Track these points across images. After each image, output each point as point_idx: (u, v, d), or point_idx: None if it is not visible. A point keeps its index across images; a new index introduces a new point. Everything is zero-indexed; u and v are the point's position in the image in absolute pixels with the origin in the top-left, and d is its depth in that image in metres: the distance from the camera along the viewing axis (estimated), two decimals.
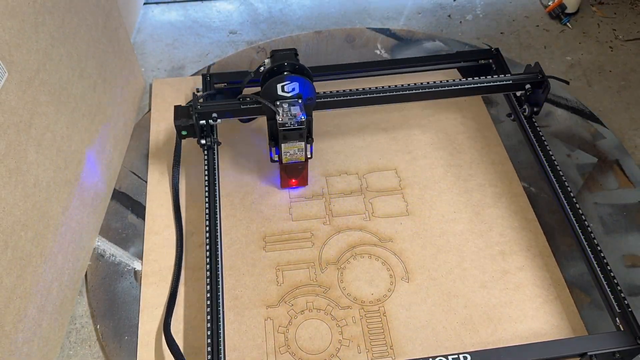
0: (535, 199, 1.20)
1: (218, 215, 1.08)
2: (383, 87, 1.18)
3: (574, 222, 1.06)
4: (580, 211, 1.07)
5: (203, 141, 1.13)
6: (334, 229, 1.15)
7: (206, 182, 1.11)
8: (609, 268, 0.99)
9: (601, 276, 0.99)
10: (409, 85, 1.19)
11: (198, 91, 1.31)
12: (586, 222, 1.05)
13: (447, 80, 1.19)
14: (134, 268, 1.10)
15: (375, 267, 1.09)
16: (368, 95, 1.16)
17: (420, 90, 1.18)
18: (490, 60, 1.36)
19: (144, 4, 1.67)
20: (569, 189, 1.10)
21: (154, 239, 1.13)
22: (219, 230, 1.06)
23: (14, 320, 0.84)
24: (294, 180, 1.19)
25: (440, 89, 1.18)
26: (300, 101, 1.05)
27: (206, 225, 1.05)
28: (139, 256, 1.12)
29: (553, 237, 1.14)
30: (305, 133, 1.05)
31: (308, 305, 1.05)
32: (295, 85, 1.03)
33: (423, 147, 1.29)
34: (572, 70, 1.50)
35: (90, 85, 1.08)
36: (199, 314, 1.03)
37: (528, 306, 1.04)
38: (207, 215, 1.07)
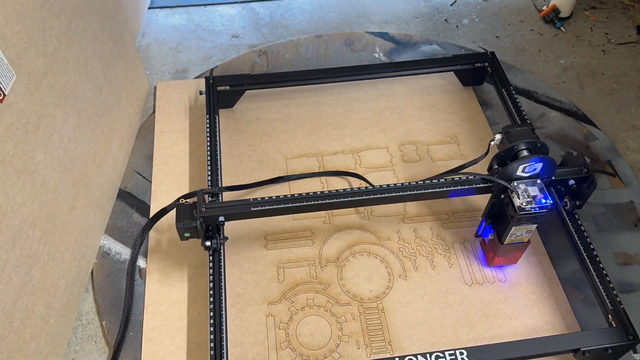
0: None
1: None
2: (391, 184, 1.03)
3: (567, 221, 1.06)
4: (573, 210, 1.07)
5: (208, 243, 0.97)
6: (334, 228, 1.15)
7: (211, 285, 0.97)
8: (601, 266, 0.99)
9: (594, 274, 0.99)
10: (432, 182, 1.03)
11: (201, 93, 1.31)
12: (579, 221, 1.05)
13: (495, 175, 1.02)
14: (139, 266, 1.10)
15: (373, 265, 1.09)
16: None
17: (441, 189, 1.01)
18: (486, 64, 1.36)
19: (149, 8, 1.67)
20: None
21: (158, 237, 1.13)
22: (221, 229, 1.06)
23: (22, 317, 0.83)
24: (502, 260, 1.05)
25: (471, 186, 1.01)
26: (539, 181, 0.94)
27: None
28: (144, 254, 1.12)
29: (547, 235, 1.14)
30: (543, 215, 0.93)
31: (308, 302, 1.05)
32: (538, 166, 0.93)
33: (420, 148, 1.29)
34: (565, 73, 1.50)
35: (96, 87, 1.08)
36: (202, 311, 1.03)
37: (522, 303, 1.04)
38: None
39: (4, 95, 0.76)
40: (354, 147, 1.29)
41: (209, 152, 1.16)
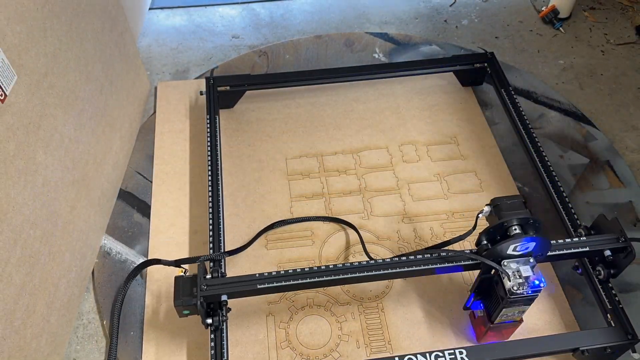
0: (528, 199, 1.20)
1: (221, 215, 1.08)
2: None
3: (566, 221, 1.06)
4: (572, 210, 1.06)
5: (209, 320, 0.89)
6: (334, 228, 1.15)
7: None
8: None
9: (591, 269, 0.99)
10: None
11: (202, 94, 1.31)
12: (578, 221, 1.05)
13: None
14: (139, 263, 1.10)
15: None
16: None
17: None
18: (485, 64, 1.36)
19: (150, 9, 1.67)
20: (561, 189, 1.10)
21: (158, 237, 1.13)
22: (222, 229, 1.06)
23: (23, 316, 0.83)
24: (494, 336, 0.97)
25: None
26: (532, 260, 0.85)
27: (209, 224, 1.05)
28: (145, 254, 1.12)
29: (546, 235, 1.13)
30: (536, 297, 0.85)
31: (308, 302, 1.05)
32: (531, 245, 0.84)
33: (420, 148, 1.29)
34: (564, 73, 1.50)
35: (97, 88, 1.08)
36: None
37: None
38: (210, 214, 1.06)
39: (5, 95, 0.76)
40: (353, 147, 1.29)
41: (209, 153, 1.16)
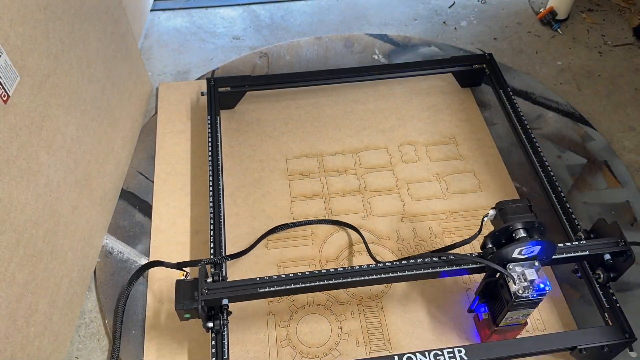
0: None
1: (222, 214, 1.08)
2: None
3: (564, 220, 1.06)
4: (570, 210, 1.06)
5: (210, 324, 0.89)
6: (334, 228, 1.15)
7: None
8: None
9: (590, 273, 0.99)
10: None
11: (203, 94, 1.31)
12: (576, 221, 1.05)
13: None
14: (141, 265, 1.10)
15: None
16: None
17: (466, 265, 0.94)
18: (484, 65, 1.36)
19: (151, 10, 1.67)
20: (559, 189, 1.10)
21: (160, 236, 1.13)
22: (223, 229, 1.06)
23: (25, 315, 0.83)
24: (497, 337, 0.96)
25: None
26: (537, 264, 0.85)
27: (210, 224, 1.05)
28: (146, 253, 1.12)
29: (544, 235, 1.14)
30: (541, 301, 0.84)
31: (308, 301, 1.04)
32: (536, 248, 0.84)
33: (419, 148, 1.29)
34: (562, 74, 1.50)
35: (99, 89, 1.08)
36: None
37: None
38: (211, 214, 1.06)
39: (8, 96, 0.76)
40: (353, 148, 1.29)
41: (210, 153, 1.16)
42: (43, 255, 0.88)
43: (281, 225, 1.14)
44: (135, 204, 1.20)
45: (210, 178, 1.12)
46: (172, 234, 1.14)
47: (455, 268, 0.90)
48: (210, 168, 1.14)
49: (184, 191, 1.21)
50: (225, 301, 0.88)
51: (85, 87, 1.01)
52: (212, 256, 1.01)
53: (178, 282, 0.88)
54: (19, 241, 0.81)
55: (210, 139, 1.19)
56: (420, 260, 0.92)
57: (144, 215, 1.18)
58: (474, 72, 1.38)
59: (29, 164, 0.83)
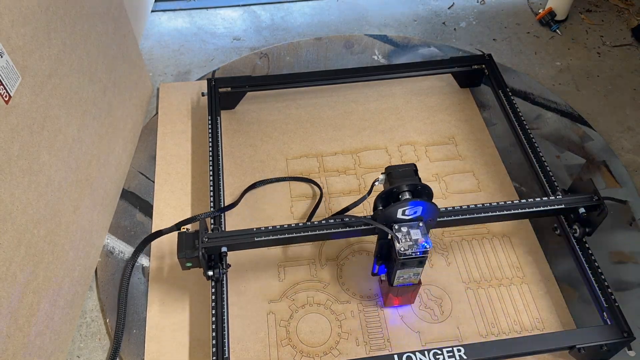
0: (526, 198, 1.20)
1: (222, 214, 1.08)
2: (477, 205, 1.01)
3: (563, 220, 1.06)
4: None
5: (210, 272, 0.94)
6: None
7: (213, 285, 0.96)
8: (596, 264, 0.99)
9: (589, 272, 0.99)
10: (452, 208, 1.00)
11: (203, 95, 1.31)
12: (574, 226, 1.05)
13: (497, 203, 1.01)
14: (142, 264, 1.10)
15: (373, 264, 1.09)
16: (483, 214, 1.00)
17: (465, 217, 1.00)
18: (483, 66, 1.36)
19: (152, 11, 1.67)
20: (558, 188, 1.10)
21: (160, 238, 1.13)
22: (223, 228, 1.06)
23: (27, 314, 0.84)
24: (397, 300, 1.01)
25: (491, 213, 1.00)
26: (422, 224, 0.89)
27: (211, 223, 1.05)
28: (147, 253, 1.12)
29: (543, 234, 1.14)
30: (426, 259, 0.89)
31: (308, 300, 1.05)
32: (419, 209, 0.88)
33: (419, 148, 1.29)
34: (561, 75, 1.50)
35: (100, 89, 1.08)
36: (204, 308, 1.03)
37: (518, 301, 1.04)
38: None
39: (10, 96, 0.76)
40: (353, 148, 1.29)
41: (210, 153, 1.16)
42: (44, 254, 0.88)
43: (260, 181, 1.20)
44: (136, 203, 1.20)
45: (211, 178, 1.12)
46: (173, 233, 1.13)
47: (348, 229, 0.94)
48: (211, 168, 1.14)
49: (184, 191, 1.21)
50: (224, 249, 0.94)
51: (86, 87, 1.01)
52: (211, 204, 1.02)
53: (180, 233, 0.93)
54: (20, 241, 0.81)
55: (210, 139, 1.19)
56: (323, 221, 0.96)
57: (145, 215, 1.18)
58: (473, 72, 1.38)
59: (31, 164, 0.83)
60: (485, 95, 1.41)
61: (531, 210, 1.00)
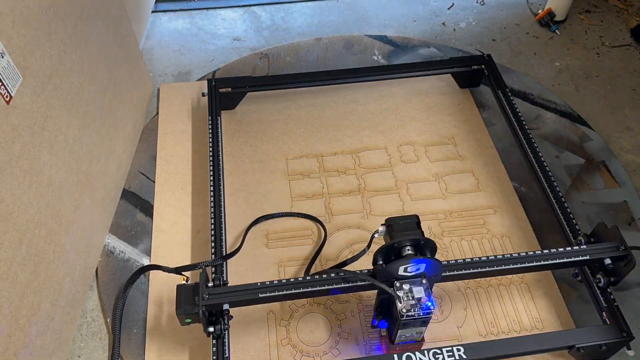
0: (525, 198, 1.20)
1: (223, 214, 1.08)
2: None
3: (562, 220, 1.06)
4: (568, 210, 1.06)
5: (211, 329, 0.88)
6: (334, 227, 1.15)
7: None
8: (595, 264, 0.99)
9: (588, 272, 0.99)
10: (463, 260, 0.94)
11: (204, 95, 1.31)
12: (574, 221, 1.05)
13: (519, 254, 0.94)
14: (143, 264, 1.10)
15: None
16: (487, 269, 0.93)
17: (485, 269, 0.93)
18: (483, 66, 1.36)
19: (152, 12, 1.67)
20: (557, 188, 1.10)
21: (161, 236, 1.13)
22: (224, 228, 1.06)
23: (28, 314, 0.84)
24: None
25: (519, 265, 0.93)
26: (424, 282, 0.84)
27: (211, 223, 1.05)
28: (147, 253, 1.12)
29: (542, 234, 1.14)
30: (430, 319, 0.84)
31: (308, 300, 1.05)
32: (422, 266, 0.83)
33: (418, 148, 1.29)
34: (560, 75, 1.50)
35: (101, 89, 1.08)
36: None
37: (518, 301, 1.04)
38: (212, 214, 1.06)
39: (11, 97, 0.76)
40: (353, 148, 1.29)
41: (211, 153, 1.16)
42: (45, 254, 0.88)
43: (263, 216, 1.15)
44: (137, 203, 1.20)
45: (211, 178, 1.12)
46: (174, 233, 1.14)
47: (345, 285, 0.88)
48: (211, 168, 1.14)
49: (185, 191, 1.21)
50: (226, 306, 0.87)
51: (87, 88, 1.01)
52: (213, 255, 1.01)
53: (179, 286, 0.87)
54: (21, 241, 0.81)
55: (211, 139, 1.19)
56: (322, 276, 0.89)
57: (146, 215, 1.18)
58: (473, 73, 1.38)
59: (32, 164, 0.83)
60: (484, 96, 1.41)
61: (554, 262, 0.93)
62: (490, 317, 1.02)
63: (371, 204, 1.19)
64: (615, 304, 0.94)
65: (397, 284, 0.84)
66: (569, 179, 1.24)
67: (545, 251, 0.94)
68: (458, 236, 1.14)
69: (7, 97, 0.75)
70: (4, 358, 0.78)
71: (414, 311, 0.81)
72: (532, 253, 0.94)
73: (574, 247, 0.95)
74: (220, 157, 1.16)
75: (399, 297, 0.82)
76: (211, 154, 1.16)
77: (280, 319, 1.02)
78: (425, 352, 0.88)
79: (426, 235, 1.13)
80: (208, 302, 0.86)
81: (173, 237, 1.13)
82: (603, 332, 0.92)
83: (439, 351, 0.88)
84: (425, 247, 0.85)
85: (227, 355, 0.90)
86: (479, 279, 1.07)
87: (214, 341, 0.90)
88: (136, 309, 1.04)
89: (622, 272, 0.92)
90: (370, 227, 1.15)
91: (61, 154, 0.92)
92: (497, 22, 1.66)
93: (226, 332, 0.90)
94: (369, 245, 0.92)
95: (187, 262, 1.09)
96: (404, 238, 0.83)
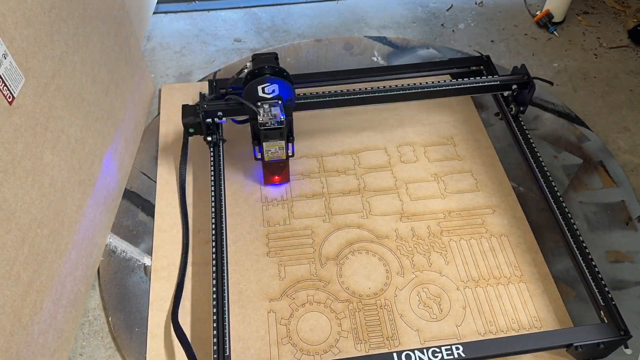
0: (523, 198, 1.20)
1: (223, 214, 1.08)
2: (367, 89, 1.19)
3: (560, 219, 1.06)
4: (566, 209, 1.07)
5: (209, 138, 1.14)
6: (333, 227, 1.15)
7: (212, 177, 1.12)
8: (593, 263, 0.99)
9: (586, 271, 0.99)
10: (397, 86, 1.20)
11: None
12: (572, 220, 1.05)
13: (438, 81, 1.21)
14: (144, 263, 1.10)
15: (372, 263, 1.10)
16: (347, 97, 1.19)
17: (411, 91, 1.20)
18: (481, 67, 1.36)
19: (154, 13, 1.67)
20: (555, 188, 1.10)
21: (162, 236, 1.14)
22: (224, 228, 1.06)
23: (30, 313, 0.84)
24: (276, 177, 1.19)
25: (431, 89, 1.20)
26: (280, 102, 1.05)
27: (212, 223, 1.05)
28: (149, 252, 1.12)
29: (540, 234, 1.14)
30: (285, 132, 1.05)
31: (309, 299, 1.05)
32: (275, 87, 1.03)
33: (418, 149, 1.29)
34: (558, 76, 1.50)
35: (103, 90, 1.08)
36: (205, 307, 1.03)
37: (516, 299, 1.04)
38: (212, 213, 1.07)
39: (13, 97, 0.76)
40: (352, 148, 1.29)
41: (211, 153, 1.16)
42: (48, 254, 0.88)
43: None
44: (139, 203, 1.20)
45: (212, 178, 1.12)
46: (175, 233, 1.14)
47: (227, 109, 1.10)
48: (212, 168, 1.14)
49: (185, 191, 1.21)
50: (220, 113, 1.11)
51: (89, 88, 1.01)
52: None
53: (183, 106, 1.13)
54: (24, 240, 0.81)
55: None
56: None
57: (147, 214, 1.18)
58: (472, 73, 1.38)
59: (34, 164, 0.83)
60: (483, 96, 1.41)
61: (471, 86, 1.20)
62: (489, 316, 1.02)
63: (371, 204, 1.19)
64: (613, 302, 0.94)
65: (259, 104, 1.04)
66: (567, 179, 1.24)
67: (465, 79, 1.21)
68: (457, 236, 1.14)
69: (9, 97, 0.75)
70: (7, 357, 0.78)
71: (271, 123, 1.02)
72: (454, 81, 1.22)
73: (489, 77, 1.23)
74: (221, 158, 1.16)
75: (259, 112, 1.03)
76: (212, 154, 1.16)
77: (280, 318, 1.02)
78: (425, 350, 0.88)
79: (426, 234, 1.14)
80: (207, 109, 1.10)
81: (174, 237, 1.13)
82: (601, 330, 0.92)
83: (437, 350, 0.89)
84: (280, 74, 1.04)
85: (227, 353, 0.90)
86: (477, 277, 1.07)
87: (212, 150, 1.15)
88: (138, 307, 1.04)
89: (526, 98, 1.20)
90: (370, 226, 1.15)
91: (63, 154, 0.92)
92: (495, 23, 1.66)
93: (221, 141, 1.17)
94: (238, 73, 1.10)
95: (188, 264, 1.09)
96: (264, 65, 1.03)
